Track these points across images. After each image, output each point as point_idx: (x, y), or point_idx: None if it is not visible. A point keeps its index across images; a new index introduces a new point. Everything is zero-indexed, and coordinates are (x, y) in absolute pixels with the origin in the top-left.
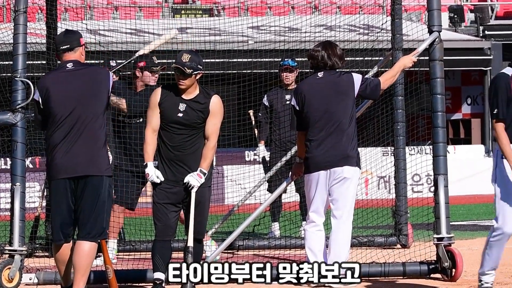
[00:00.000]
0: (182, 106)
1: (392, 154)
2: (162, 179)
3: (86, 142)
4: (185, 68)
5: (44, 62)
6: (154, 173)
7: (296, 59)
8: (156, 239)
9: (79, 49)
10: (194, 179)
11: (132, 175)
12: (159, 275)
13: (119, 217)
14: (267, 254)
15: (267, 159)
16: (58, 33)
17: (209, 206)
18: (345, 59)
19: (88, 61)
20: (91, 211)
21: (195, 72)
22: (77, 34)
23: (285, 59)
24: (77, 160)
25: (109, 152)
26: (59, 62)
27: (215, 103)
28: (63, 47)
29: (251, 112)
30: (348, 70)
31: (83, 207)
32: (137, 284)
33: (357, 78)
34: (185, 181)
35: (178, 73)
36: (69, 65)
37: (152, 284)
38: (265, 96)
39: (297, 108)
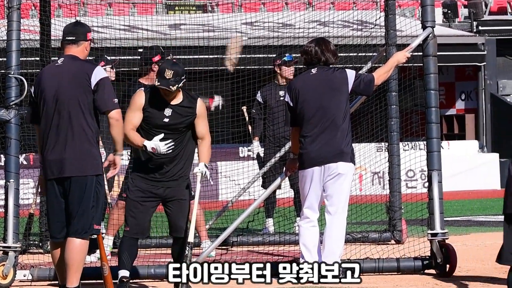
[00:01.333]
0: (168, 111)
1: (386, 150)
2: (167, 140)
3: (68, 142)
4: (170, 87)
5: (37, 58)
6: (156, 142)
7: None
8: (127, 235)
9: (83, 44)
10: (203, 166)
11: None
12: (125, 272)
13: (123, 215)
14: (261, 250)
15: (261, 155)
16: (67, 24)
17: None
18: (339, 55)
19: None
20: (77, 210)
21: (179, 85)
22: (85, 28)
23: (287, 54)
24: (60, 159)
25: (101, 149)
26: (52, 58)
27: (201, 105)
28: (68, 38)
29: (244, 108)
30: (341, 66)
31: (70, 206)
32: (131, 281)
33: (351, 74)
34: (196, 171)
35: (163, 88)
36: (60, 61)
37: (121, 281)
38: (259, 92)
39: (291, 104)
